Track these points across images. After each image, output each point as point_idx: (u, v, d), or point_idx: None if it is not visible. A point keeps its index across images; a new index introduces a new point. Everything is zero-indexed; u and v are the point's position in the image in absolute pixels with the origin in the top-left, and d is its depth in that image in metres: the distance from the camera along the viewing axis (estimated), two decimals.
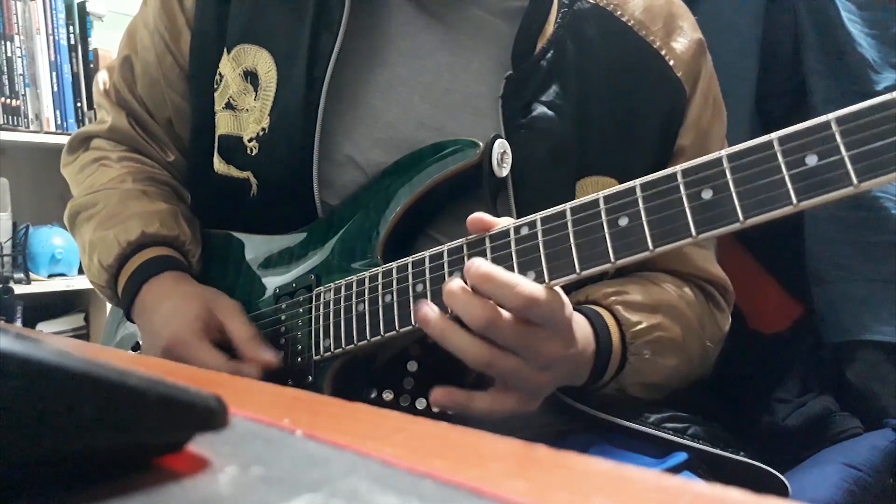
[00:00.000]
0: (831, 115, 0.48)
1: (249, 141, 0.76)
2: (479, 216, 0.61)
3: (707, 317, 0.78)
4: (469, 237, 0.62)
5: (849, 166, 0.46)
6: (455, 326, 0.57)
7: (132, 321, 0.79)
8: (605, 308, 0.69)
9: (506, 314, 0.56)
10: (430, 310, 0.58)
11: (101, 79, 0.92)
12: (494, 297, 0.55)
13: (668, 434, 0.69)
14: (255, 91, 0.77)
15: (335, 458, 0.25)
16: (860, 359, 0.98)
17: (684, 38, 0.78)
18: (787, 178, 0.48)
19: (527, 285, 0.55)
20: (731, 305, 0.83)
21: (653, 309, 0.70)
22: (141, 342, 0.79)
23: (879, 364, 0.97)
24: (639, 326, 0.68)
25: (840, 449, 0.92)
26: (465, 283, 0.57)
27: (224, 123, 0.79)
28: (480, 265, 0.55)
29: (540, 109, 0.72)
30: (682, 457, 0.68)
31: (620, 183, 0.55)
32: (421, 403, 0.68)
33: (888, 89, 0.97)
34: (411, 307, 0.63)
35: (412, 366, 0.68)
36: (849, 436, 0.96)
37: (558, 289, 0.57)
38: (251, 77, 0.77)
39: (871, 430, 0.95)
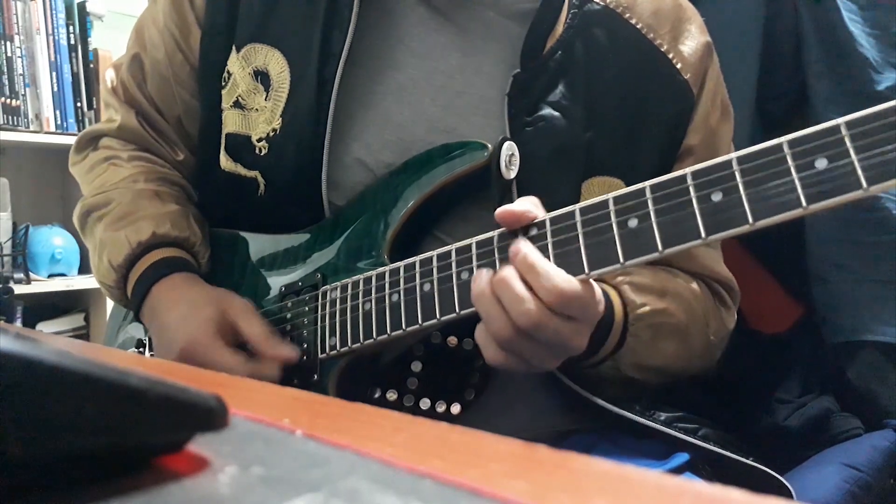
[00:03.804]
0: (841, 120, 0.48)
1: (259, 141, 0.76)
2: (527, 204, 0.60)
3: (713, 311, 0.78)
4: (478, 237, 0.62)
5: (859, 170, 0.46)
6: (502, 311, 0.57)
7: (140, 321, 0.79)
8: (612, 287, 0.69)
9: (552, 315, 0.56)
10: (485, 281, 0.58)
11: (109, 76, 0.92)
12: (534, 287, 0.56)
13: (678, 433, 0.69)
14: (266, 91, 0.76)
15: (335, 459, 0.25)
16: (861, 359, 0.98)
17: (692, 40, 0.78)
18: (797, 182, 0.48)
19: (562, 280, 0.55)
20: (737, 304, 0.83)
21: (661, 293, 0.70)
22: (154, 344, 0.78)
23: (880, 365, 0.97)
24: (643, 309, 0.68)
25: (840, 449, 0.92)
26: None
27: (232, 122, 0.79)
28: (527, 255, 0.56)
29: (546, 109, 0.72)
30: (683, 458, 0.68)
31: (627, 184, 0.55)
32: (424, 404, 0.68)
33: (889, 89, 0.97)
34: (418, 307, 0.63)
35: (416, 366, 0.68)
36: (849, 436, 0.96)
37: (593, 282, 0.58)
38: (262, 77, 0.77)
39: (872, 431, 0.95)
